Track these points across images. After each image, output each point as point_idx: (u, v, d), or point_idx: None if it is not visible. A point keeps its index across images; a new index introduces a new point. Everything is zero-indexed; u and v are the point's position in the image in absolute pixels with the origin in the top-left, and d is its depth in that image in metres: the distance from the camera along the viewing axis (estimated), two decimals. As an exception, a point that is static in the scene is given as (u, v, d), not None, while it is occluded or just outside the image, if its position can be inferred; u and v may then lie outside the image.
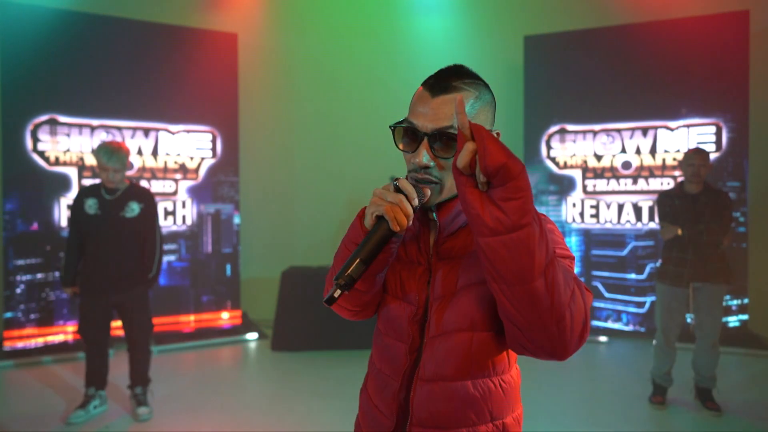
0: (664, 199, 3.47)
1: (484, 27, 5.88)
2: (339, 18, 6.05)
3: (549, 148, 5.38)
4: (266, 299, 5.53)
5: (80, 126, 4.73)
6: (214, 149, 5.29)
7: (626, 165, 5.13)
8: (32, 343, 4.54)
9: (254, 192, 5.87)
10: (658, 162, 5.02)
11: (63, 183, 4.67)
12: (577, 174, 5.30)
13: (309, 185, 6.12)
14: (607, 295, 5.19)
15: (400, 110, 1.03)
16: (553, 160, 5.38)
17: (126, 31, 4.89)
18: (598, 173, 5.23)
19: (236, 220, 5.41)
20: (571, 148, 5.31)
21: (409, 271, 1.06)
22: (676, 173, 4.92)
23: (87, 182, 4.69)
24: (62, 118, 4.66)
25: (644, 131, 5.07)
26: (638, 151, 5.08)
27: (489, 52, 5.75)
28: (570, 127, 5.30)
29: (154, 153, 5.02)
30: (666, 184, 4.95)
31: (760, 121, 4.94)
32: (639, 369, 4.14)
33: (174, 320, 5.09)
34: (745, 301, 4.74)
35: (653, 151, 5.03)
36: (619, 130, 5.15)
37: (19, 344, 4.50)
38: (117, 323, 3.37)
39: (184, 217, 5.17)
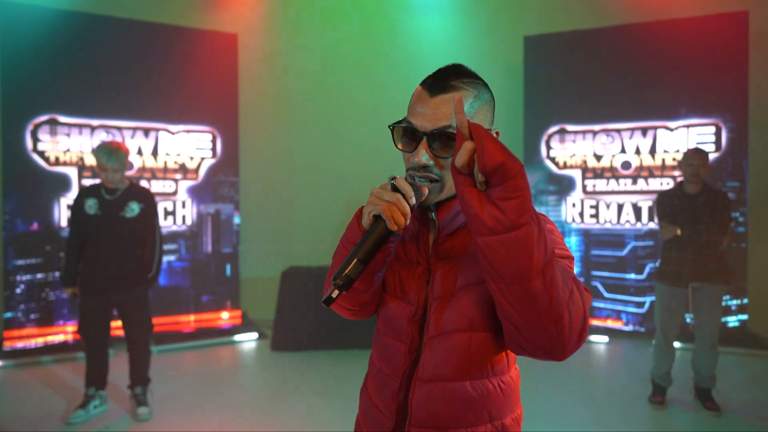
0: (663, 199, 3.47)
1: (483, 27, 5.89)
2: (339, 18, 6.05)
3: (549, 148, 5.39)
4: (266, 299, 5.53)
5: (80, 126, 4.73)
6: (214, 149, 5.29)
7: (626, 165, 5.14)
8: (32, 343, 4.54)
9: (254, 192, 5.87)
10: (658, 162, 5.02)
11: (63, 183, 4.67)
12: (576, 174, 5.31)
13: (309, 185, 6.13)
14: (606, 295, 5.20)
15: (400, 110, 1.04)
16: (552, 160, 5.38)
17: (126, 31, 4.89)
18: (598, 173, 5.23)
19: (236, 220, 5.42)
20: (570, 148, 5.32)
21: (409, 271, 1.06)
22: (676, 173, 4.92)
23: (87, 182, 4.70)
24: (62, 118, 4.67)
25: (644, 131, 5.07)
26: (638, 151, 5.09)
27: (489, 53, 5.75)
28: (570, 127, 5.31)
29: (154, 153, 5.03)
30: (665, 184, 4.96)
31: (759, 121, 4.95)
32: (639, 369, 4.14)
33: (174, 320, 5.09)
34: (745, 301, 4.75)
35: (653, 151, 5.04)
36: (618, 131, 5.15)
37: (19, 344, 4.50)
38: (117, 323, 3.38)
39: (184, 217, 5.17)
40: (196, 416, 3.35)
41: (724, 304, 4.66)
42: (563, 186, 5.36)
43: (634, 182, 5.10)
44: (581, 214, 5.31)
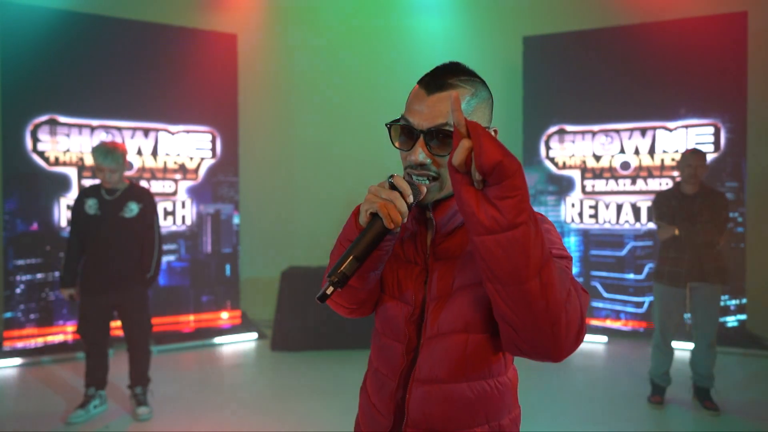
0: (661, 199, 3.49)
1: (483, 27, 5.89)
2: (338, 18, 6.06)
3: (548, 148, 5.39)
4: (266, 299, 5.54)
5: (80, 126, 4.74)
6: (213, 149, 5.29)
7: (625, 165, 5.15)
8: (32, 343, 4.54)
9: (254, 192, 5.87)
10: (657, 162, 5.03)
11: (63, 183, 4.67)
12: (575, 174, 5.32)
13: (309, 185, 6.13)
14: (605, 295, 5.21)
15: (399, 111, 1.04)
16: (552, 160, 5.39)
17: (126, 31, 4.89)
18: (597, 173, 5.24)
19: (236, 220, 5.42)
20: (570, 149, 5.33)
21: (406, 271, 1.06)
22: (675, 173, 4.93)
23: (87, 182, 4.70)
24: (62, 119, 4.67)
25: (643, 132, 5.08)
26: (637, 152, 5.10)
27: (488, 53, 5.75)
28: (569, 128, 5.32)
29: (154, 153, 5.03)
30: (664, 184, 4.97)
31: (758, 121, 4.96)
32: (637, 369, 4.15)
33: (174, 320, 5.09)
34: (743, 301, 4.76)
35: (652, 152, 5.05)
36: (617, 131, 5.16)
37: (19, 344, 4.50)
38: (117, 323, 3.38)
39: (183, 218, 5.17)
40: (196, 416, 3.36)
41: (722, 304, 4.69)
42: (562, 186, 5.36)
43: (633, 182, 5.11)
44: (580, 215, 5.32)
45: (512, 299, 0.80)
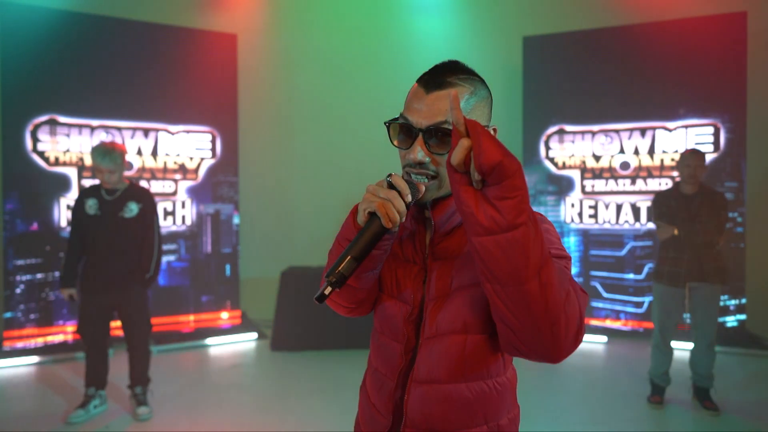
0: (660, 199, 3.49)
1: (483, 27, 5.89)
2: (338, 19, 6.06)
3: (548, 148, 5.40)
4: (265, 299, 5.53)
5: (80, 126, 4.74)
6: (213, 149, 5.30)
7: (625, 165, 5.15)
8: (32, 343, 4.55)
9: (254, 192, 5.88)
10: (657, 162, 5.03)
11: (63, 183, 4.67)
12: (575, 174, 5.32)
13: (309, 185, 6.13)
14: (605, 295, 5.21)
15: (399, 111, 1.04)
16: (551, 160, 5.39)
17: (126, 31, 4.90)
18: (597, 174, 5.24)
19: (236, 220, 5.42)
20: (569, 149, 5.33)
21: (405, 270, 1.05)
22: (675, 174, 4.94)
23: (87, 183, 4.70)
24: (62, 119, 4.67)
25: (642, 132, 5.08)
26: (636, 152, 5.10)
27: (488, 53, 5.76)
28: (568, 128, 5.32)
29: (154, 153, 5.03)
30: (664, 184, 4.97)
31: (757, 121, 4.96)
32: (637, 369, 4.16)
33: (173, 320, 5.10)
34: (743, 301, 4.76)
35: (651, 152, 5.05)
36: (617, 131, 5.16)
37: (19, 344, 4.50)
38: (117, 323, 3.38)
39: (183, 218, 5.17)
40: (196, 416, 3.36)
41: (722, 304, 4.69)
42: (562, 186, 5.37)
43: (633, 182, 5.12)
44: (580, 215, 5.32)
45: (511, 300, 0.79)
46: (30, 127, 4.56)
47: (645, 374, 3.73)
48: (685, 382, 3.64)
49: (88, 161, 4.73)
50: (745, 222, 4.78)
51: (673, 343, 3.51)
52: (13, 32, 4.47)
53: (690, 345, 3.52)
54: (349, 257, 0.88)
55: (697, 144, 4.84)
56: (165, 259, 5.04)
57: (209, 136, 5.27)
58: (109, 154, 3.13)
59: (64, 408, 3.43)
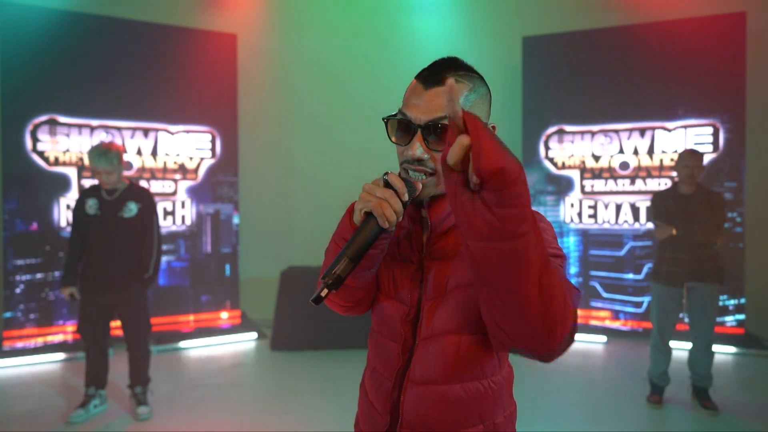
0: (658, 199, 3.50)
1: (482, 28, 5.90)
2: (338, 19, 6.06)
3: (547, 148, 5.40)
4: (265, 299, 5.54)
5: (80, 126, 4.74)
6: (213, 149, 5.30)
7: (624, 165, 5.16)
8: (32, 342, 4.55)
9: (253, 192, 5.88)
10: (656, 162, 5.04)
11: (62, 183, 4.68)
12: (575, 174, 5.32)
13: (308, 185, 6.13)
14: (604, 295, 5.21)
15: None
16: (551, 160, 5.40)
17: (126, 31, 4.90)
18: (596, 174, 5.25)
19: (235, 220, 5.43)
20: (569, 149, 5.33)
21: (402, 270, 1.04)
22: (674, 174, 4.94)
23: (87, 183, 4.71)
24: (62, 119, 4.67)
25: (642, 132, 5.09)
26: (636, 152, 5.10)
27: (487, 53, 5.76)
28: (568, 128, 5.33)
29: (154, 153, 5.03)
30: (663, 184, 4.97)
31: (756, 122, 4.96)
32: (636, 368, 4.16)
33: (173, 320, 5.10)
34: (742, 300, 4.76)
35: (651, 152, 5.05)
36: (617, 131, 5.17)
37: (19, 344, 4.51)
38: (117, 323, 3.39)
39: (183, 217, 5.18)
40: (195, 416, 3.36)
41: (721, 304, 4.70)
42: (561, 186, 5.37)
43: (632, 182, 5.12)
44: (579, 215, 5.33)
45: (505, 306, 0.77)
46: (30, 127, 4.56)
47: (644, 374, 3.73)
48: (684, 381, 3.65)
49: (87, 161, 4.73)
50: (744, 222, 4.78)
51: (672, 343, 3.51)
52: (13, 32, 4.47)
53: (689, 345, 3.53)
54: (345, 258, 0.87)
55: (696, 144, 4.84)
56: (165, 259, 5.04)
57: (209, 136, 5.28)
58: (105, 154, 3.13)
59: (64, 408, 3.44)
